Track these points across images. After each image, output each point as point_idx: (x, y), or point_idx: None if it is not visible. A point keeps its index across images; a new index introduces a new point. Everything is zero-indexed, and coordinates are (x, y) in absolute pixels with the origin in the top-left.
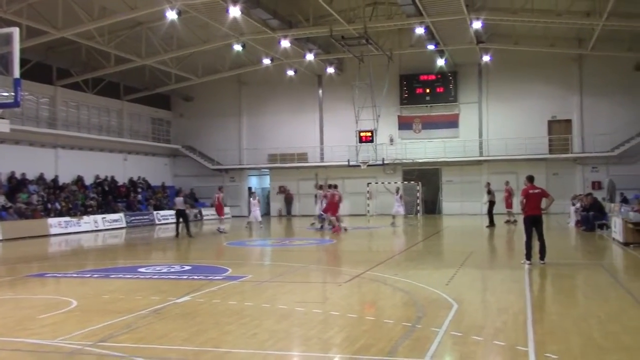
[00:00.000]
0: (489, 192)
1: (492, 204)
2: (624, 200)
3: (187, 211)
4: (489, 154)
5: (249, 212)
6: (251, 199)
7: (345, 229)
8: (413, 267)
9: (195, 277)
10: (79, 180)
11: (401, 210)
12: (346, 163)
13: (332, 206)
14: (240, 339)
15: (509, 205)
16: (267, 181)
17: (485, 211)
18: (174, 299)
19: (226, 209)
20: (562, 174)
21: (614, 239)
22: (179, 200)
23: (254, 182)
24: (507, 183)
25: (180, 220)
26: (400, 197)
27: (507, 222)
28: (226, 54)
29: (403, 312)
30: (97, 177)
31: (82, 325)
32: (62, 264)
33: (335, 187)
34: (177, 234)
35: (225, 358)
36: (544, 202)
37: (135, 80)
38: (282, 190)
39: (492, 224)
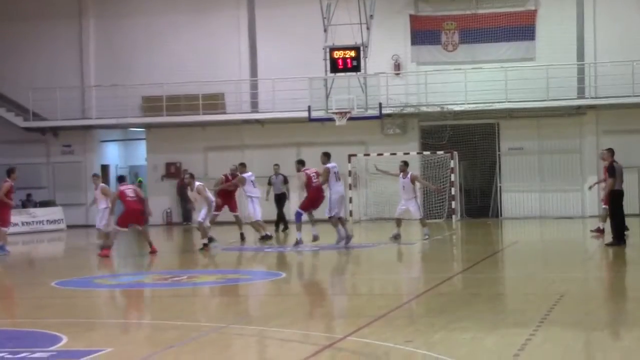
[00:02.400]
0: (613, 172)
1: (616, 196)
2: None
3: None
4: (597, 94)
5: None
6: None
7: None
8: (442, 326)
9: None
10: None
11: (414, 208)
12: (305, 114)
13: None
14: None
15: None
16: (140, 153)
17: (598, 211)
18: None
19: (44, 212)
20: None
21: None
22: None
23: (112, 154)
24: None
25: None
26: (412, 180)
27: (597, 231)
28: None
29: None
30: None
31: None
32: None
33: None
34: None
35: None
36: None
37: None
38: (174, 172)
39: (619, 237)
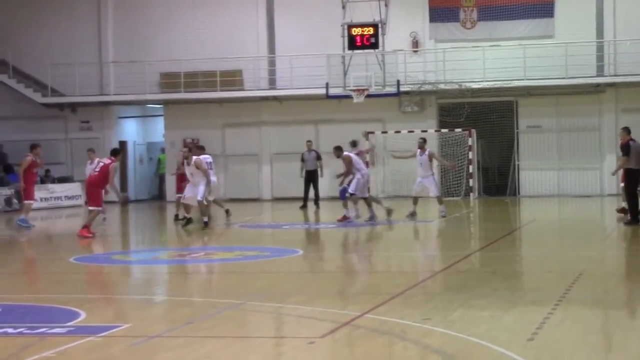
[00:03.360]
0: (627, 150)
1: (632, 175)
2: None
3: None
4: (617, 72)
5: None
6: (88, 162)
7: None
8: (461, 303)
9: (12, 331)
10: None
11: (431, 186)
12: (322, 91)
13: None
14: None
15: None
16: (157, 129)
17: (616, 190)
18: None
19: (62, 188)
20: None
21: None
22: None
23: (130, 130)
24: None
25: None
26: (430, 157)
27: (622, 211)
28: None
29: None
30: None
31: None
32: None
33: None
34: None
35: None
36: None
37: None
38: (193, 146)
39: (635, 217)
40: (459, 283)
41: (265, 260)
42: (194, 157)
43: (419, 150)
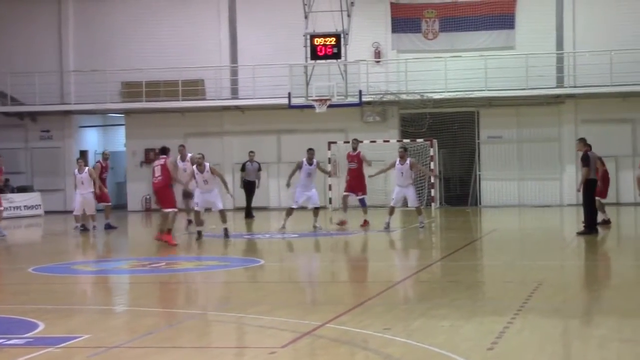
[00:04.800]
0: (587, 161)
1: (591, 185)
2: None
3: None
4: (576, 83)
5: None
6: (76, 171)
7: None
8: (421, 313)
9: None
10: None
11: (412, 195)
12: (285, 101)
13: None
14: None
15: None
16: (119, 139)
17: (576, 200)
18: None
19: (22, 197)
20: None
21: None
22: None
23: (91, 140)
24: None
25: None
26: (411, 166)
27: (603, 223)
28: None
29: None
30: None
31: None
32: None
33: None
34: None
35: None
36: None
37: None
38: (153, 158)
39: (591, 226)
40: (420, 293)
41: (227, 270)
42: (207, 164)
43: (399, 159)
